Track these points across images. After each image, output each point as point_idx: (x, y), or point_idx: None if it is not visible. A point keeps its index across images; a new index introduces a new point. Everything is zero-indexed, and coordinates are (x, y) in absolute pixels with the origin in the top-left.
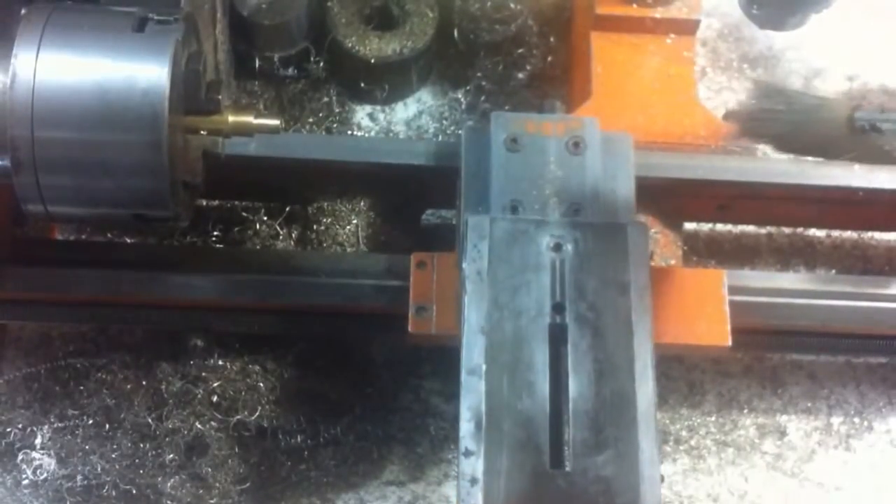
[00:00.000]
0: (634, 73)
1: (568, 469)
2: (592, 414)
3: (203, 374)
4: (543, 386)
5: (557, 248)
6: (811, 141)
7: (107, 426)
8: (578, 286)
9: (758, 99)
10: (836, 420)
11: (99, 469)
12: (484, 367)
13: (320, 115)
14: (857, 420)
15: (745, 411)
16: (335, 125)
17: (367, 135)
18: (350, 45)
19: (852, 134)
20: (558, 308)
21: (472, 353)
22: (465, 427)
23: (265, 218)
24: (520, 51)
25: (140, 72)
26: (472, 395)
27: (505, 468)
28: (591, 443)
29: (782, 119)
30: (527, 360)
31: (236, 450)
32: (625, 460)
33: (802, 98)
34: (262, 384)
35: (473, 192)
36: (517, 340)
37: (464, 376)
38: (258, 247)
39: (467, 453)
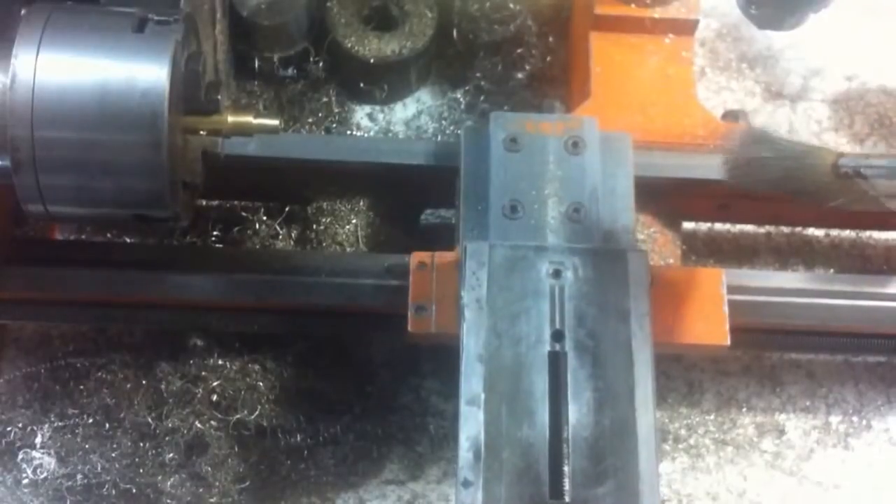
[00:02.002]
0: (633, 73)
1: (567, 500)
2: (592, 443)
3: (203, 373)
4: (543, 415)
5: (557, 274)
6: (799, 187)
7: (107, 425)
8: (578, 313)
9: (745, 147)
10: (834, 419)
11: (99, 468)
12: (483, 395)
13: (319, 115)
14: (855, 419)
15: (744, 410)
16: (334, 125)
17: (366, 135)
18: (349, 45)
19: (838, 179)
20: (558, 336)
21: (471, 381)
22: (464, 457)
23: (265, 218)
24: (519, 51)
25: (140, 72)
26: (471, 425)
27: (504, 499)
28: (591, 473)
29: (770, 166)
30: (526, 388)
31: (236, 449)
32: (625, 491)
33: (789, 145)
34: (261, 383)
35: (472, 191)
36: (516, 368)
37: (462, 405)
38: (258, 246)
39: (466, 483)
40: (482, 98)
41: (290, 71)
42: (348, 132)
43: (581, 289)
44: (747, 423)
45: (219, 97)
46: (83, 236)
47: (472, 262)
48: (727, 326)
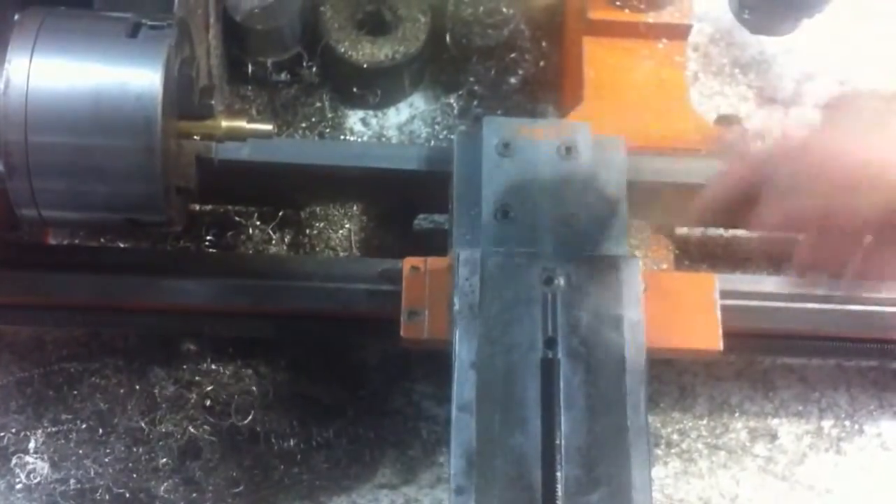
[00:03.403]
0: (626, 77)
1: None
2: (585, 451)
3: (196, 378)
4: (535, 422)
5: (549, 281)
6: None
7: (100, 430)
8: (571, 321)
9: None
10: (826, 423)
11: (92, 473)
12: (475, 402)
13: (313, 119)
14: (847, 423)
15: (737, 415)
16: (328, 130)
17: (359, 140)
18: (342, 50)
19: None
20: (550, 343)
21: (464, 388)
22: (457, 463)
23: (258, 223)
24: (512, 56)
25: (133, 77)
26: (464, 432)
27: None
28: (584, 480)
29: None
30: (519, 395)
31: (229, 454)
32: (618, 498)
33: None
34: (254, 388)
35: (465, 196)
36: (509, 376)
37: (455, 413)
38: (251, 251)
39: (459, 490)
40: (475, 103)
41: (284, 76)
42: (342, 137)
43: (574, 296)
44: (740, 428)
45: (212, 102)
46: (77, 241)
47: (464, 268)
48: (720, 331)
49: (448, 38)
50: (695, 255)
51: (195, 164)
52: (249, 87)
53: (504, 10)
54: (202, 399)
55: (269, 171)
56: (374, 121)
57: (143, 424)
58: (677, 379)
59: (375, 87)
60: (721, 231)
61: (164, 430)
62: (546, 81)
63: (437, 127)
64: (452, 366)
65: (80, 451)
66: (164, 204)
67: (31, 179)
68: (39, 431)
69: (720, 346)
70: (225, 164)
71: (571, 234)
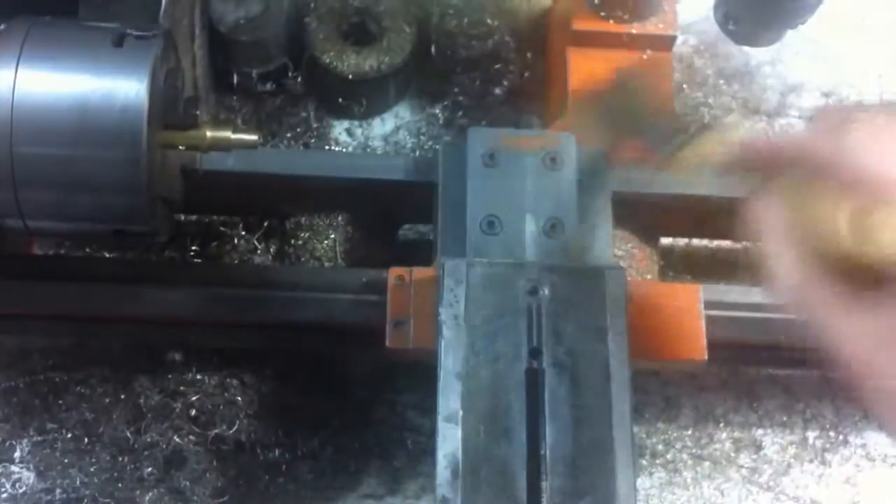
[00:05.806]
0: (611, 88)
1: None
2: (570, 461)
3: (181, 388)
4: (521, 432)
5: (534, 291)
6: None
7: (85, 440)
8: (555, 331)
9: None
10: (811, 434)
11: (78, 483)
12: (461, 413)
13: (298, 130)
14: (832, 434)
15: (722, 425)
16: (313, 140)
17: (344, 150)
18: (327, 60)
19: None
20: (535, 353)
21: (449, 399)
22: (442, 474)
23: (243, 233)
24: (497, 67)
25: (119, 87)
26: (449, 443)
27: None
28: (569, 490)
29: None
30: (504, 406)
31: (214, 464)
32: None
33: None
34: (240, 398)
35: (450, 207)
36: (494, 386)
37: (440, 423)
38: (236, 261)
39: (444, 501)
40: (460, 113)
41: (269, 86)
42: (327, 147)
43: (558, 306)
44: (724, 439)
45: (197, 112)
46: (62, 251)
47: (449, 278)
48: (704, 342)
49: (433, 50)
50: (679, 266)
51: (180, 175)
52: (235, 98)
53: (489, 21)
54: (187, 409)
55: (254, 181)
56: (359, 131)
57: (128, 434)
58: (662, 389)
59: (360, 98)
60: (706, 242)
61: (149, 439)
62: (531, 92)
63: (422, 137)
64: (437, 376)
65: (66, 461)
66: (150, 214)
67: (16, 190)
68: (25, 441)
69: (705, 356)
70: (210, 175)
71: (556, 245)
